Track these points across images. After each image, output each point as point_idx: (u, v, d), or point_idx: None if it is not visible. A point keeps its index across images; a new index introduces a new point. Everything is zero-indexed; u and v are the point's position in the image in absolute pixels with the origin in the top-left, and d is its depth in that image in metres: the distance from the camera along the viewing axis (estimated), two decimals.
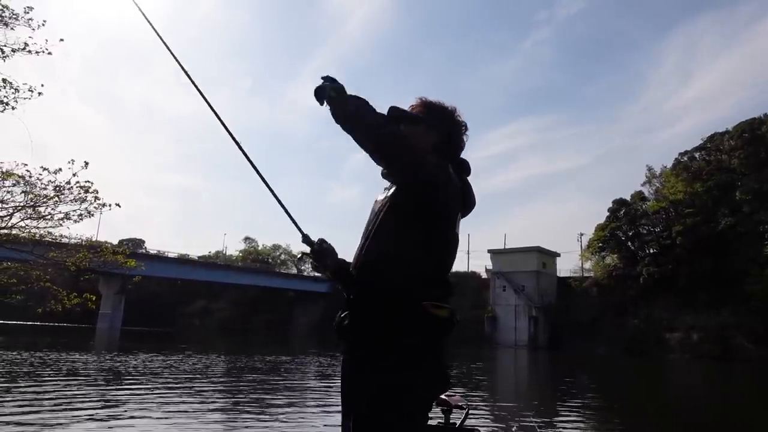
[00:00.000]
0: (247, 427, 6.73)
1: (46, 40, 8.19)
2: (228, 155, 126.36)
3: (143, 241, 70.39)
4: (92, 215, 9.29)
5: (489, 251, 53.03)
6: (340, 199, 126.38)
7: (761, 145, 41.86)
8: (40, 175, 8.82)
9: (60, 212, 9.12)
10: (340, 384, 1.64)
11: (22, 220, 9.02)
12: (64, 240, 11.20)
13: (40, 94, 8.30)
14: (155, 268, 45.94)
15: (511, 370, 23.44)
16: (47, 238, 9.70)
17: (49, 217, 9.11)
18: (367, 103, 1.55)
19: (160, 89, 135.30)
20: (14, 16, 7.99)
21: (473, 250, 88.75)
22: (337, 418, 1.59)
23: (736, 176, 42.60)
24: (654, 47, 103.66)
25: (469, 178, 1.82)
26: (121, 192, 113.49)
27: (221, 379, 12.37)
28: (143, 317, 61.81)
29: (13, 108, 8.20)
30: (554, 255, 53.31)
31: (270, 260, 73.51)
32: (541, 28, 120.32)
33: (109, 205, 9.40)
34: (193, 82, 1.95)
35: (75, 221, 9.22)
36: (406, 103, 1.80)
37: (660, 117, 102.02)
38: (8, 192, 8.91)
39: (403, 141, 1.58)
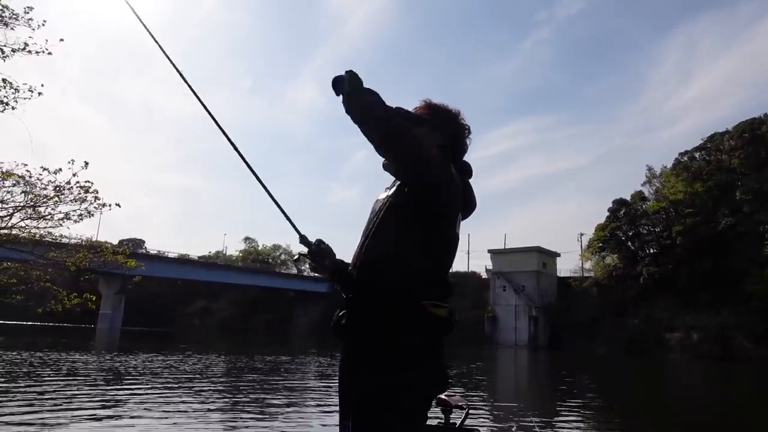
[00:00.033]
0: (247, 427, 6.73)
1: (46, 40, 8.20)
2: (228, 155, 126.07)
3: (143, 241, 70.46)
4: (92, 215, 9.30)
5: (489, 251, 53.10)
6: (340, 199, 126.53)
7: (761, 145, 41.86)
8: (40, 175, 8.83)
9: (60, 212, 9.13)
10: (338, 383, 1.64)
11: (22, 220, 9.03)
12: (64, 240, 11.20)
13: (40, 94, 8.31)
14: (155, 268, 45.94)
15: (511, 370, 23.44)
16: (47, 238, 9.70)
17: (49, 217, 9.11)
18: (380, 97, 1.55)
19: (160, 89, 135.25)
20: (14, 16, 8.00)
21: (473, 250, 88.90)
22: (337, 418, 1.59)
23: (737, 176, 42.60)
24: (654, 47, 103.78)
25: (470, 181, 1.82)
26: (121, 192, 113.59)
27: (221, 379, 12.37)
28: (143, 317, 61.80)
29: (13, 108, 8.20)
30: (554, 255, 53.31)
31: (270, 260, 73.52)
32: (541, 28, 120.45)
33: (109, 205, 9.41)
34: (182, 76, 1.94)
35: (75, 221, 9.23)
36: (407, 104, 1.80)
37: (660, 117, 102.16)
38: (8, 192, 8.92)
39: (411, 139, 1.58)
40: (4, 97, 8.10)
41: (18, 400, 7.77)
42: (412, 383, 1.50)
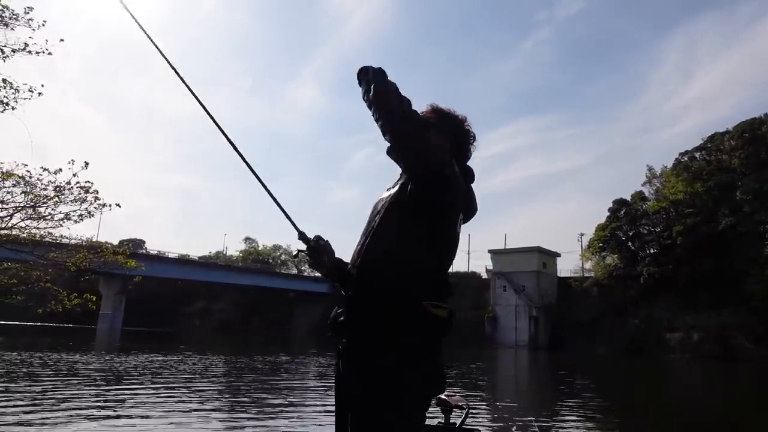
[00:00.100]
0: (247, 427, 6.73)
1: (47, 41, 8.18)
2: (228, 155, 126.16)
3: (143, 242, 70.46)
4: (92, 215, 9.29)
5: (489, 251, 53.06)
6: (339, 199, 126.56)
7: (761, 145, 41.84)
8: (41, 175, 8.81)
9: (60, 212, 9.11)
10: (334, 381, 1.64)
11: (23, 220, 9.02)
12: (65, 240, 11.18)
13: (40, 94, 8.29)
14: (155, 269, 45.93)
15: (511, 370, 23.43)
16: (47, 239, 9.68)
17: (49, 217, 9.10)
18: (399, 91, 1.59)
19: (160, 89, 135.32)
20: (14, 17, 7.98)
21: (473, 251, 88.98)
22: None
23: (737, 176, 42.59)
24: (654, 47, 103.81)
25: (472, 186, 1.83)
26: (121, 192, 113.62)
27: (221, 379, 12.37)
28: (144, 318, 61.81)
29: (13, 108, 8.19)
30: (555, 255, 53.29)
31: (270, 260, 73.51)
32: (541, 28, 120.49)
33: (109, 206, 9.39)
34: (177, 73, 1.95)
35: (75, 221, 9.22)
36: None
37: (660, 117, 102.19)
38: (8, 192, 8.90)
39: (423, 131, 1.58)
40: (4, 97, 8.10)
41: (18, 400, 7.77)
42: (412, 383, 1.50)
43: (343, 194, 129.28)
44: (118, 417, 6.83)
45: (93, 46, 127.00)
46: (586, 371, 22.98)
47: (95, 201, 9.12)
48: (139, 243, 67.58)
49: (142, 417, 6.87)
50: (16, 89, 8.09)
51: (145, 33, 2.05)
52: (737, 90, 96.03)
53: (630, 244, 47.92)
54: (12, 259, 10.42)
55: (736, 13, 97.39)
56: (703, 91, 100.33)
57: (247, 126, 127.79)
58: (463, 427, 2.91)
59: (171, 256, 54.24)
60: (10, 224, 8.91)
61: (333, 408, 1.63)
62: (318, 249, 1.69)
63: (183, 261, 55.20)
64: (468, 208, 1.78)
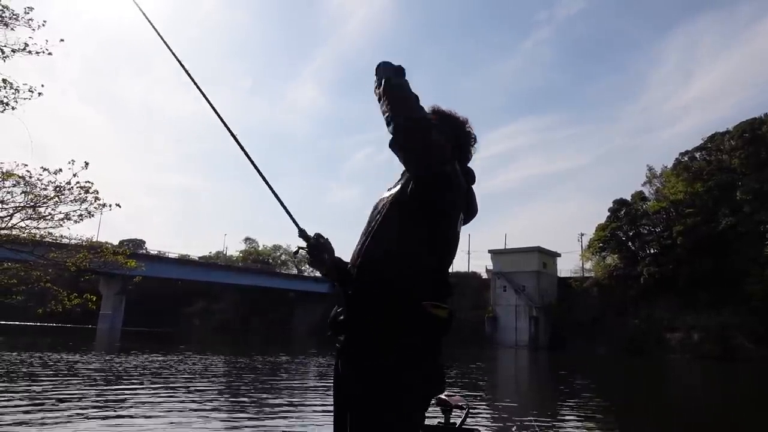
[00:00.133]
0: (246, 427, 6.73)
1: (47, 41, 8.19)
2: (228, 155, 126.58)
3: (144, 242, 70.48)
4: (92, 215, 9.29)
5: (489, 251, 53.04)
6: (340, 199, 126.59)
7: (762, 145, 41.84)
8: (41, 175, 8.82)
9: (60, 213, 9.11)
10: (333, 381, 1.63)
11: (23, 220, 9.02)
12: (65, 240, 11.18)
13: (40, 94, 8.30)
14: (156, 269, 45.93)
15: (511, 370, 23.43)
16: (47, 239, 9.69)
17: (49, 217, 9.10)
18: (412, 92, 1.61)
19: (160, 89, 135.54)
20: (14, 17, 7.99)
21: (474, 251, 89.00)
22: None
23: (737, 176, 42.58)
24: (654, 47, 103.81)
25: (473, 187, 1.83)
26: (121, 192, 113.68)
27: (221, 379, 12.37)
28: (144, 318, 61.82)
29: (13, 108, 8.19)
30: (555, 255, 53.28)
31: (270, 261, 73.51)
32: (541, 28, 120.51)
33: (110, 206, 9.39)
34: (188, 73, 1.96)
35: (75, 221, 9.22)
36: None
37: (660, 117, 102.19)
38: (8, 192, 8.90)
39: (427, 130, 1.58)
40: (4, 97, 8.10)
41: (18, 400, 7.77)
42: (412, 383, 1.50)
43: (343, 194, 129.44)
44: (118, 417, 6.83)
45: (93, 46, 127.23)
46: (586, 371, 22.98)
47: (95, 201, 9.12)
48: (139, 243, 67.59)
49: (142, 417, 6.87)
50: (16, 89, 8.10)
51: (158, 33, 2.06)
52: (737, 90, 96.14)
53: (630, 244, 47.92)
54: (12, 259, 10.42)
55: (736, 13, 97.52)
56: (703, 91, 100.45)
57: (247, 126, 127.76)
58: (463, 427, 2.91)
59: (171, 256, 54.26)
60: (10, 224, 8.91)
61: (332, 408, 1.63)
62: (318, 246, 1.69)
63: (183, 261, 55.21)
64: (468, 208, 1.78)
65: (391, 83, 1.60)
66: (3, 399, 7.79)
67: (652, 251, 45.94)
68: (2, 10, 7.95)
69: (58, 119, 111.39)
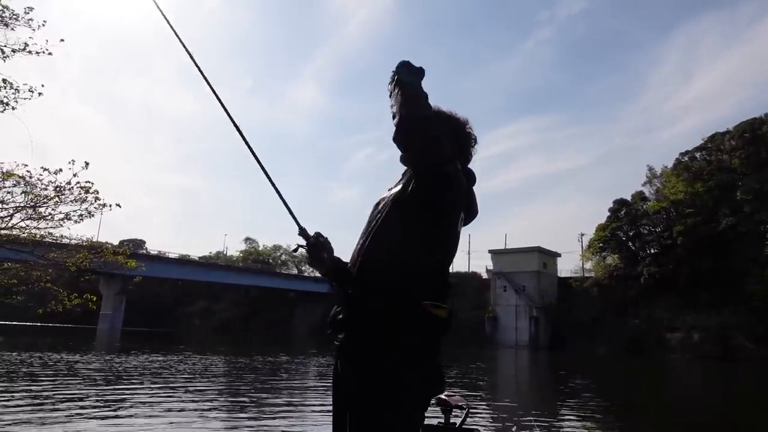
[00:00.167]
0: (246, 427, 6.73)
1: (47, 41, 8.19)
2: (228, 155, 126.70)
3: (144, 242, 70.48)
4: (93, 215, 9.28)
5: (490, 251, 53.03)
6: (340, 199, 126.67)
7: (762, 145, 41.82)
8: (41, 175, 8.81)
9: (60, 213, 9.11)
10: (332, 380, 1.63)
11: (23, 220, 9.01)
12: (65, 240, 11.16)
13: (40, 94, 8.29)
14: (156, 269, 45.96)
15: (511, 370, 23.42)
16: (48, 239, 9.68)
17: (49, 217, 9.09)
18: (420, 88, 1.62)
19: (160, 89, 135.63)
20: (14, 17, 7.99)
21: (474, 251, 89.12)
22: None
23: (737, 176, 42.57)
24: (655, 47, 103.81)
25: (473, 188, 1.83)
26: (121, 192, 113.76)
27: (221, 379, 12.37)
28: (144, 318, 61.90)
29: (13, 108, 8.19)
30: (555, 255, 53.28)
31: (270, 261, 73.51)
32: (543, 28, 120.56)
33: (110, 206, 9.39)
34: (198, 68, 1.99)
35: (75, 222, 9.21)
36: None
37: (660, 117, 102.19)
38: (9, 192, 8.90)
39: (430, 130, 1.58)
40: (5, 97, 8.09)
41: (18, 400, 7.77)
42: (412, 383, 1.50)
43: (343, 194, 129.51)
44: (118, 417, 6.83)
45: (93, 46, 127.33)
46: (587, 371, 22.97)
47: (95, 201, 9.11)
48: (140, 243, 67.59)
49: (142, 417, 6.87)
50: (16, 89, 8.09)
51: (171, 27, 2.08)
52: (737, 90, 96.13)
53: (630, 244, 47.91)
54: (12, 259, 10.42)
55: (736, 13, 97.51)
56: (703, 91, 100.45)
57: (247, 126, 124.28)
58: (463, 427, 2.91)
59: (171, 256, 54.29)
60: (10, 224, 8.90)
61: (331, 408, 1.63)
62: (317, 245, 1.69)
63: (183, 261, 55.22)
64: (469, 209, 1.78)
65: (402, 80, 1.61)
66: (3, 399, 7.79)
67: (652, 251, 45.94)
68: (2, 10, 7.95)
69: (58, 119, 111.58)
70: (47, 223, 9.11)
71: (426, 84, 1.64)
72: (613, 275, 46.39)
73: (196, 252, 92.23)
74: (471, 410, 2.96)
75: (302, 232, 1.72)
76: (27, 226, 9.03)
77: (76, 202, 9.04)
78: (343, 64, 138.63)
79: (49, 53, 8.26)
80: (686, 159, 48.35)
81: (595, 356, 36.25)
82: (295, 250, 1.76)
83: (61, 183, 8.84)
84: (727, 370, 26.06)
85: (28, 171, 8.81)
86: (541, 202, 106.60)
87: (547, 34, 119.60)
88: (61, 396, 8.30)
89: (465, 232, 1.84)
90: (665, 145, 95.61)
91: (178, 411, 7.45)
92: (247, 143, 1.87)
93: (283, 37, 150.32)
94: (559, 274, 52.84)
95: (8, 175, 8.68)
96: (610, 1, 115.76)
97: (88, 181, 8.94)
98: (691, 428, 9.26)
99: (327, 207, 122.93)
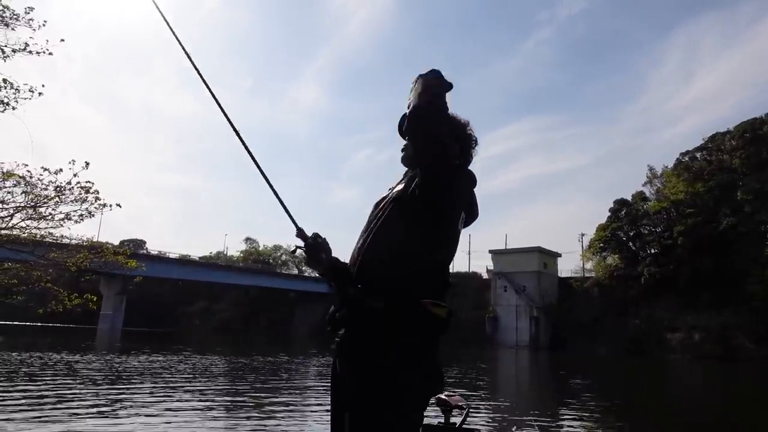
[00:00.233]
0: (247, 427, 6.73)
1: (47, 41, 8.19)
2: (228, 155, 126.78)
3: (144, 242, 70.46)
4: (93, 215, 9.28)
5: (490, 251, 53.03)
6: (340, 200, 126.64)
7: (762, 145, 41.80)
8: (41, 175, 8.81)
9: (61, 213, 9.11)
10: (331, 379, 1.63)
11: (23, 220, 9.02)
12: (65, 240, 11.16)
13: (40, 94, 8.30)
14: (156, 269, 45.95)
15: (512, 370, 23.42)
16: (48, 239, 9.68)
17: (49, 217, 9.09)
18: (444, 91, 1.59)
19: (160, 89, 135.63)
20: (15, 17, 7.99)
21: (474, 251, 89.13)
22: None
23: (738, 176, 42.54)
24: (655, 47, 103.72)
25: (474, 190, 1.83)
26: (121, 192, 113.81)
27: (221, 379, 12.37)
28: (144, 318, 61.89)
29: (13, 108, 8.19)
30: (555, 255, 53.27)
31: (271, 261, 73.51)
32: (543, 28, 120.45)
33: (110, 206, 9.39)
34: (196, 69, 1.98)
35: (76, 222, 9.21)
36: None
37: (661, 117, 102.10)
38: (9, 192, 8.90)
39: (438, 131, 1.57)
40: (5, 97, 8.10)
41: (18, 400, 7.78)
42: (411, 383, 1.50)
43: (343, 194, 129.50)
44: (118, 417, 6.83)
45: (93, 46, 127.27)
46: (587, 371, 22.97)
47: (96, 201, 9.11)
48: (140, 243, 67.59)
49: (142, 417, 6.87)
50: (16, 89, 8.09)
51: (170, 28, 2.08)
52: (738, 90, 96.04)
53: (631, 244, 47.89)
54: (12, 259, 10.42)
55: (736, 13, 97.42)
56: (703, 91, 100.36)
57: (247, 126, 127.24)
58: (463, 427, 2.91)
59: (172, 256, 54.27)
60: (10, 224, 8.91)
61: (330, 408, 1.63)
62: (316, 246, 1.68)
63: (184, 261, 55.22)
64: (470, 210, 1.78)
65: (427, 77, 1.58)
66: (3, 399, 7.79)
67: (652, 251, 45.92)
68: (3, 10, 7.96)
69: (59, 119, 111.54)
70: (47, 223, 9.11)
71: None
72: (613, 275, 46.37)
73: (196, 252, 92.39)
74: (471, 410, 2.96)
75: (300, 233, 1.71)
76: (27, 226, 9.04)
77: (76, 202, 9.04)
78: (344, 64, 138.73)
79: (50, 53, 8.27)
80: (687, 159, 48.33)
81: (596, 356, 36.24)
82: (294, 252, 1.75)
83: (61, 183, 8.85)
84: (727, 371, 26.04)
85: (29, 171, 8.81)
86: (542, 202, 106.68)
87: (547, 34, 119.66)
88: (61, 396, 8.30)
89: (465, 232, 1.84)
90: (666, 145, 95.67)
91: (178, 411, 7.45)
92: (244, 143, 1.87)
93: (283, 37, 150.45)
94: (559, 274, 52.83)
95: (8, 175, 8.68)
96: (610, 1, 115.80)
97: (89, 181, 8.95)
98: (691, 428, 9.25)
99: (327, 207, 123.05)
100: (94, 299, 10.18)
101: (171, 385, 10.48)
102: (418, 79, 1.59)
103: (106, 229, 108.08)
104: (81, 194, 8.95)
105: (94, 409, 7.34)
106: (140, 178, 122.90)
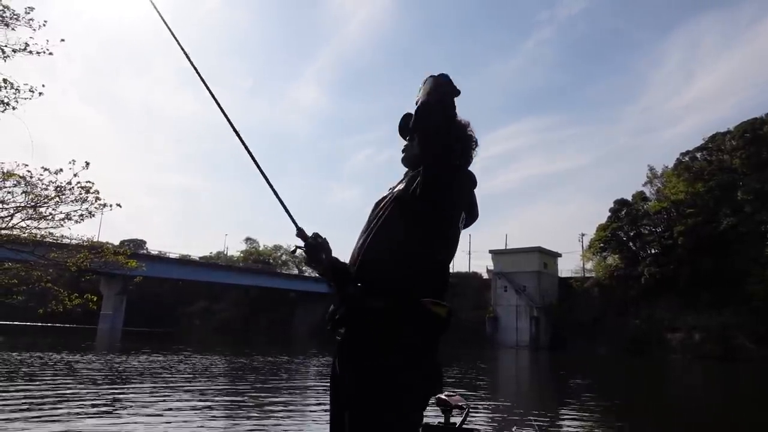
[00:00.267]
0: (246, 427, 6.73)
1: (47, 41, 8.19)
2: (228, 155, 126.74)
3: (144, 242, 70.43)
4: (93, 215, 9.28)
5: (490, 251, 53.03)
6: (340, 200, 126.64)
7: (763, 145, 41.80)
8: (41, 175, 8.81)
9: (61, 213, 9.10)
10: (330, 378, 1.63)
11: (23, 220, 9.02)
12: (65, 240, 11.16)
13: (40, 94, 8.30)
14: (156, 269, 45.96)
15: (512, 370, 23.42)
16: (48, 239, 9.68)
17: (50, 217, 9.09)
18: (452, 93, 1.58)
19: (160, 89, 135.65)
20: (15, 17, 7.99)
21: (474, 251, 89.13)
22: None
23: (738, 176, 42.54)
24: (656, 47, 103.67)
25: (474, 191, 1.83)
26: (121, 192, 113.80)
27: (221, 379, 12.37)
28: (144, 318, 61.89)
29: (14, 108, 8.19)
30: (555, 255, 53.27)
31: (271, 261, 73.50)
32: (543, 28, 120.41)
33: (110, 206, 9.38)
34: (195, 69, 1.98)
35: (76, 222, 9.20)
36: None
37: (661, 117, 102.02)
38: (9, 192, 8.90)
39: (447, 128, 1.57)
40: (5, 97, 8.10)
41: (18, 400, 7.78)
42: (411, 383, 1.50)
43: (343, 194, 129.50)
44: (118, 417, 6.83)
45: (93, 46, 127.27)
46: (587, 371, 22.97)
47: (96, 201, 9.11)
48: (140, 243, 67.58)
49: (142, 417, 6.87)
50: (16, 89, 8.10)
51: (168, 28, 2.08)
52: (738, 90, 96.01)
53: (631, 244, 47.90)
54: (13, 259, 10.43)
55: (737, 13, 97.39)
56: (704, 91, 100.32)
57: (247, 126, 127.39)
58: (463, 427, 2.91)
59: (172, 256, 54.26)
60: (10, 224, 8.91)
61: (329, 408, 1.62)
62: (316, 246, 1.68)
63: (184, 261, 55.22)
64: (471, 210, 1.78)
65: (440, 80, 1.57)
66: (3, 399, 7.79)
67: (652, 251, 45.92)
68: (3, 10, 7.96)
69: (59, 119, 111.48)
70: (48, 223, 9.11)
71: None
72: (613, 275, 46.38)
73: (196, 252, 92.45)
74: (471, 410, 2.96)
75: (300, 232, 1.71)
76: (27, 226, 9.03)
77: (76, 202, 9.04)
78: (344, 64, 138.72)
79: (50, 53, 8.27)
80: (687, 159, 48.32)
81: (596, 356, 36.23)
82: (294, 252, 1.75)
83: (61, 183, 8.85)
84: (728, 371, 26.04)
85: (29, 171, 8.81)
86: (542, 202, 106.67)
87: (548, 34, 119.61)
88: (61, 396, 8.30)
89: (465, 232, 1.84)
90: (666, 145, 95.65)
91: (178, 411, 7.45)
92: (244, 143, 1.87)
93: (283, 37, 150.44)
94: (559, 275, 52.84)
95: (9, 175, 8.68)
96: (610, 1, 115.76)
97: (89, 181, 8.95)
98: (691, 428, 9.25)
99: (327, 207, 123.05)
100: (95, 299, 10.18)
101: (171, 385, 10.48)
102: (428, 78, 1.59)
103: (106, 229, 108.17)
104: (81, 194, 8.95)
105: (94, 409, 7.34)
106: (140, 178, 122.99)
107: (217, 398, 9.36)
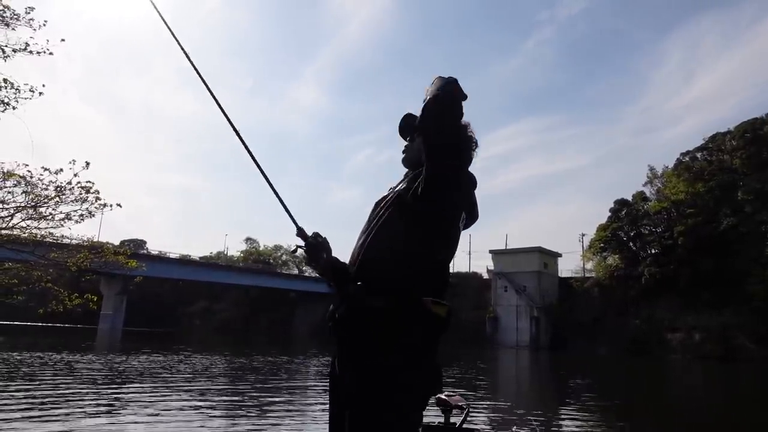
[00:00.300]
0: (246, 427, 6.73)
1: (48, 41, 8.19)
2: (228, 155, 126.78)
3: (145, 242, 70.43)
4: (93, 215, 9.28)
5: (490, 251, 53.03)
6: (340, 200, 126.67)
7: (763, 145, 41.80)
8: (41, 175, 8.81)
9: (61, 212, 9.11)
10: (329, 378, 1.63)
11: (23, 220, 9.02)
12: (66, 240, 11.16)
13: (41, 94, 8.30)
14: (157, 269, 45.96)
15: (512, 370, 23.42)
16: (48, 239, 9.68)
17: (50, 217, 9.09)
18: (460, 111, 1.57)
19: (160, 89, 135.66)
20: (15, 17, 8.00)
21: (474, 251, 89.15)
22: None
23: (738, 176, 42.54)
24: (656, 47, 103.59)
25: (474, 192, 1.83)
26: (121, 192, 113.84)
27: (221, 379, 12.37)
28: (145, 318, 61.90)
29: (14, 108, 8.20)
30: (556, 255, 53.27)
31: (271, 261, 73.50)
32: (543, 28, 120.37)
33: (110, 206, 9.39)
34: (196, 69, 1.98)
35: (76, 221, 9.21)
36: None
37: (662, 117, 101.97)
38: (9, 192, 8.90)
39: (456, 121, 1.56)
40: (5, 97, 8.10)
41: (18, 399, 7.78)
42: (411, 383, 1.49)
43: (343, 194, 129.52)
44: (118, 417, 6.84)
45: (94, 46, 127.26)
46: (587, 371, 22.96)
47: (96, 201, 9.11)
48: (140, 243, 67.58)
49: (142, 417, 6.87)
50: (17, 89, 8.10)
51: (168, 27, 2.08)
52: (738, 90, 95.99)
53: (631, 244, 47.89)
54: (13, 259, 10.43)
55: (737, 13, 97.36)
56: (704, 91, 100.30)
57: (247, 126, 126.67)
58: (463, 427, 2.91)
59: (172, 256, 54.26)
60: (10, 224, 8.91)
61: (328, 408, 1.62)
62: (316, 246, 1.68)
63: (184, 261, 55.22)
64: (471, 210, 1.78)
65: (449, 80, 1.55)
66: (3, 399, 7.80)
67: (653, 251, 45.91)
68: (3, 10, 7.96)
69: (59, 119, 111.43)
70: (48, 223, 9.11)
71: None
72: (613, 275, 46.37)
73: (196, 252, 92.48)
74: (471, 410, 2.95)
75: (300, 232, 1.71)
76: (28, 226, 9.04)
77: (76, 202, 9.04)
78: (344, 65, 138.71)
79: (50, 53, 8.27)
80: (687, 159, 48.32)
81: (596, 356, 36.23)
82: (294, 251, 1.75)
83: (61, 183, 8.85)
84: (728, 371, 26.03)
85: (29, 171, 8.81)
86: (542, 202, 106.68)
87: (547, 34, 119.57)
88: (61, 396, 8.30)
89: (465, 232, 1.84)
90: (666, 145, 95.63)
91: (178, 411, 7.45)
92: (244, 143, 1.87)
93: (283, 37, 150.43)
94: (559, 275, 52.84)
95: (9, 175, 8.69)
96: (610, 1, 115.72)
97: (89, 181, 8.95)
98: (691, 428, 9.25)
99: (327, 207, 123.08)
100: (95, 299, 10.18)
101: (171, 385, 10.48)
102: (436, 79, 1.58)
103: (107, 229, 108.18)
104: (81, 194, 8.96)
105: (94, 409, 7.34)
106: (140, 178, 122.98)
107: (217, 398, 9.36)
